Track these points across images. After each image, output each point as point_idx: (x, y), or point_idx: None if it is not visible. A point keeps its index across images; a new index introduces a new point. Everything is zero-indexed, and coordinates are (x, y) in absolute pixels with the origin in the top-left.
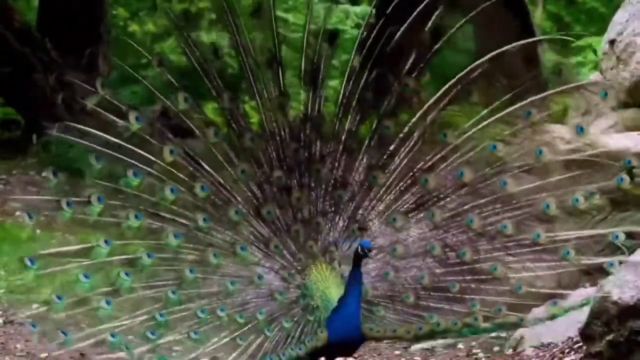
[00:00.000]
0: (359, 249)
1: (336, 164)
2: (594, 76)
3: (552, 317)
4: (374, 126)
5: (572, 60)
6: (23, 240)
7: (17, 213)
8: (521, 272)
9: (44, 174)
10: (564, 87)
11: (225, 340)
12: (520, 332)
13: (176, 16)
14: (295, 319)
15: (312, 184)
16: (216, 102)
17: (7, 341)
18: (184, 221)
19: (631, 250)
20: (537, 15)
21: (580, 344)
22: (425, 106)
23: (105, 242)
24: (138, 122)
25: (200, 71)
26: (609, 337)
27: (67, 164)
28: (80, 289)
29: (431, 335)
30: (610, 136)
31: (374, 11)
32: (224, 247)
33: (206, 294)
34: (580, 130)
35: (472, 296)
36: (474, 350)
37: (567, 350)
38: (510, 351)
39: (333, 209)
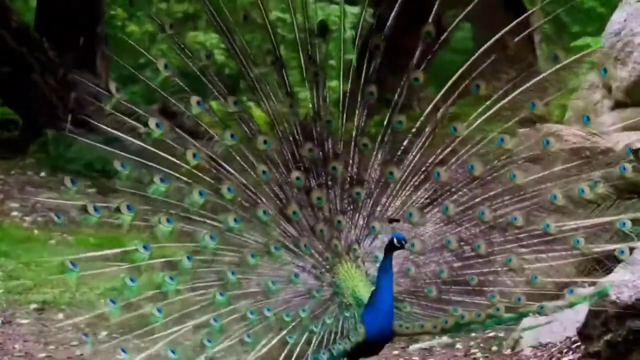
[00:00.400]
0: (395, 241)
1: (351, 161)
2: (592, 76)
3: (571, 305)
4: (386, 121)
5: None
6: (20, 241)
7: (14, 213)
8: (535, 262)
9: (41, 174)
10: (564, 63)
11: (274, 341)
12: (518, 331)
13: (163, 21)
14: (334, 315)
15: (330, 183)
16: (221, 104)
17: (5, 341)
18: (215, 223)
19: None
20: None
21: (579, 343)
22: (435, 100)
23: (144, 247)
24: (159, 128)
25: (200, 75)
26: (607, 337)
27: (65, 164)
28: (128, 292)
29: (457, 328)
30: (609, 135)
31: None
32: (258, 247)
33: (250, 294)
34: (587, 119)
35: (491, 288)
36: (472, 350)
37: (565, 350)
38: (508, 351)
39: (352, 207)
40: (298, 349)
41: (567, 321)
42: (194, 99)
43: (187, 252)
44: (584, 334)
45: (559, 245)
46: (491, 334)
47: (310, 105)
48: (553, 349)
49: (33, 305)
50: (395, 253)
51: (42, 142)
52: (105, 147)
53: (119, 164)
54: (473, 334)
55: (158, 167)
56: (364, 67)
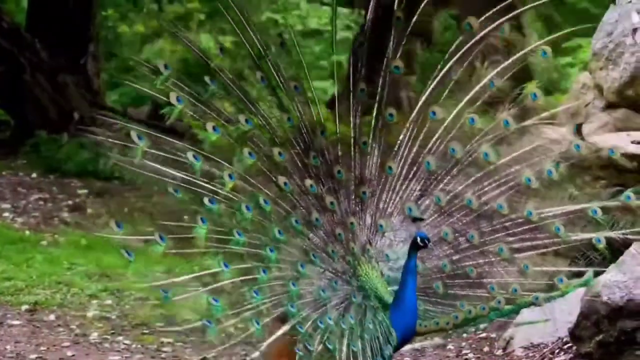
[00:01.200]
0: (418, 240)
1: (353, 162)
2: (583, 76)
3: (563, 294)
4: (374, 115)
5: (561, 60)
6: (12, 242)
7: (6, 214)
8: (523, 251)
9: (33, 175)
10: (529, 48)
11: (344, 347)
12: (509, 332)
13: (156, 65)
14: (371, 319)
15: (337, 186)
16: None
17: None
18: (261, 236)
19: (610, 225)
20: (528, 16)
21: (570, 344)
22: (426, 94)
23: (225, 264)
24: (197, 160)
25: (202, 106)
26: (599, 338)
27: (57, 164)
28: (215, 311)
29: (466, 323)
30: (601, 136)
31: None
32: (301, 257)
33: (309, 303)
34: (534, 97)
35: (489, 279)
36: (464, 351)
37: (556, 351)
38: (500, 352)
39: (360, 207)
40: (361, 358)
41: (559, 321)
42: (209, 126)
43: (258, 265)
44: (576, 334)
45: (542, 234)
46: (483, 335)
47: (297, 115)
48: (545, 350)
49: (24, 307)
50: (405, 248)
51: (33, 143)
52: (154, 175)
53: (171, 188)
54: (465, 335)
55: (202, 191)
56: (354, 66)
